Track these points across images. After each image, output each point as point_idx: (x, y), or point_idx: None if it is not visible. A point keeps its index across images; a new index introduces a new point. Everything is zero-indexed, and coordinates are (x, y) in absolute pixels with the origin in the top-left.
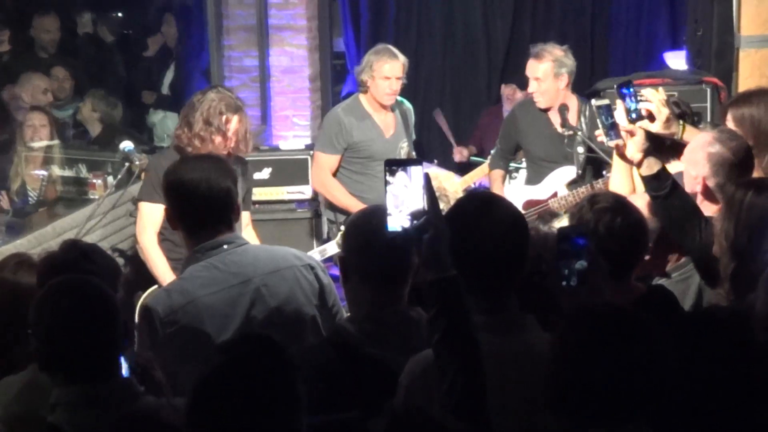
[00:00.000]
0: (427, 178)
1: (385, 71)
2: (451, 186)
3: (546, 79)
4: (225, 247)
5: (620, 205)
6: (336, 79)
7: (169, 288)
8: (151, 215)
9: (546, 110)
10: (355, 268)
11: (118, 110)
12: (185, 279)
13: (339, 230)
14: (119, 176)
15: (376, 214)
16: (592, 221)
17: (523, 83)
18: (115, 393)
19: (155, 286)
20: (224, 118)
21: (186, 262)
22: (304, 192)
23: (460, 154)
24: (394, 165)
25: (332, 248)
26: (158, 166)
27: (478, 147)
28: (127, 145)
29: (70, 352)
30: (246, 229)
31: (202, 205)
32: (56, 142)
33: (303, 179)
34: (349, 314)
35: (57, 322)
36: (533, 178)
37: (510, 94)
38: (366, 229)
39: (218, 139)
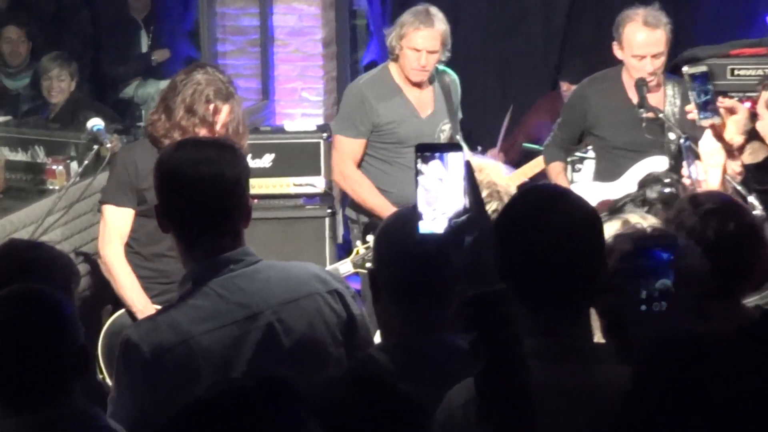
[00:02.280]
0: (469, 168)
1: (415, 41)
2: (502, 179)
3: (666, 51)
4: (231, 267)
5: (731, 206)
6: (355, 44)
7: (158, 320)
8: (118, 222)
9: (624, 88)
10: (386, 284)
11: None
12: (178, 309)
13: (360, 234)
14: (86, 162)
15: (413, 218)
16: (698, 227)
17: (591, 55)
18: (66, 424)
19: (123, 310)
20: (211, 107)
21: (182, 283)
22: (315, 184)
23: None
24: (426, 151)
25: (346, 268)
26: (127, 160)
27: (529, 139)
28: (96, 123)
29: (8, 376)
30: None
31: (204, 206)
32: (3, 118)
33: (314, 168)
34: (379, 342)
35: None
36: (606, 172)
37: (566, 90)
38: (400, 236)
39: (203, 131)
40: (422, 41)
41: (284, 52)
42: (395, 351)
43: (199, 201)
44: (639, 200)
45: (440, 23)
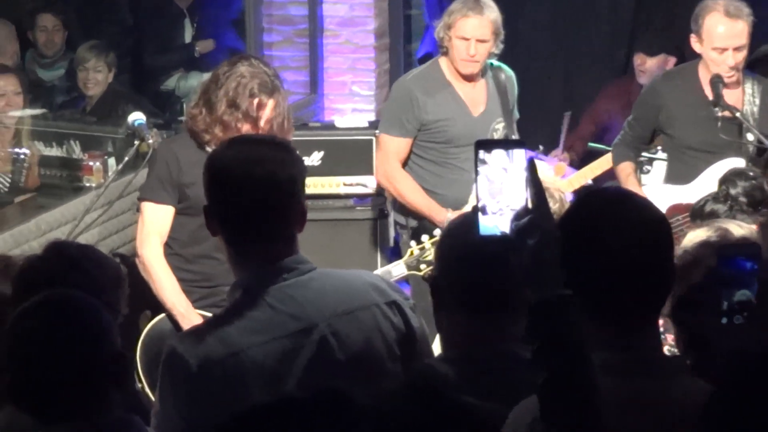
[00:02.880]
0: (532, 166)
1: (463, 29)
2: (547, 177)
3: (748, 44)
4: (284, 276)
5: None
6: (410, 35)
7: (205, 331)
8: (157, 220)
9: (700, 84)
10: (448, 292)
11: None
12: (227, 319)
13: (410, 239)
14: (126, 158)
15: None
16: None
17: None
18: None
19: (164, 315)
20: (256, 101)
21: (231, 292)
22: (366, 184)
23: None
24: (487, 147)
25: (399, 270)
26: (167, 154)
27: (592, 135)
28: (137, 117)
29: (43, 385)
30: None
31: (257, 209)
32: (37, 111)
33: (365, 167)
34: (440, 353)
35: (25, 349)
36: (679, 174)
37: (640, 64)
38: (464, 240)
39: (246, 126)
40: (471, 29)
41: (334, 43)
42: (457, 362)
43: (251, 203)
44: (722, 197)
45: (490, 11)
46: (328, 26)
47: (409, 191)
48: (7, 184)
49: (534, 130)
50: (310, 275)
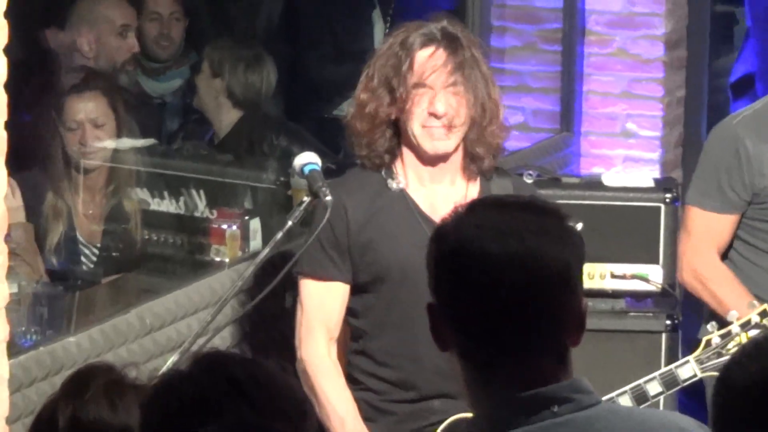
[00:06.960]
0: None
1: None
2: None
3: None
4: (554, 409)
5: None
6: (720, 44)
7: None
8: (321, 304)
9: None
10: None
11: (270, 81)
12: None
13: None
14: (291, 220)
15: None
16: None
17: None
18: None
19: None
20: (409, 58)
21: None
22: (648, 277)
23: None
24: None
25: (687, 370)
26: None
27: None
28: (309, 160)
29: None
30: None
31: (512, 309)
32: (140, 142)
33: (647, 250)
34: None
35: None
36: None
37: None
38: None
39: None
40: None
41: (601, 54)
42: None
43: (503, 299)
44: None
45: None
46: (593, 27)
47: (733, 297)
48: (94, 256)
49: None
50: (593, 411)
